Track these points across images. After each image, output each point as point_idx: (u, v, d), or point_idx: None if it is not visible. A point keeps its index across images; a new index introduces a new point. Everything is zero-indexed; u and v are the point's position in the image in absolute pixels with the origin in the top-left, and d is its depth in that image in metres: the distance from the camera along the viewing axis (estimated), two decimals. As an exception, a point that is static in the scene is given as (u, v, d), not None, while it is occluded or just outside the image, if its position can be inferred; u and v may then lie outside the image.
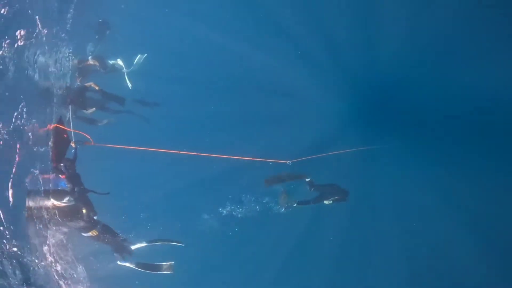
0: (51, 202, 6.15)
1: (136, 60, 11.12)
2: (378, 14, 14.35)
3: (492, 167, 14.39)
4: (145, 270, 7.08)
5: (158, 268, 7.17)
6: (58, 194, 6.12)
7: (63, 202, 6.05)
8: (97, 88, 8.52)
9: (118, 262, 6.92)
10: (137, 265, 7.03)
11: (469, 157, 14.64)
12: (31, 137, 5.56)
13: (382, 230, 15.09)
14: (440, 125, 15.61)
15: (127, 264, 6.97)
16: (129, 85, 10.48)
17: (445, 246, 14.78)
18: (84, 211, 6.23)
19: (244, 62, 15.70)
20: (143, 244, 7.09)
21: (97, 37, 10.76)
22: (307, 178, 8.75)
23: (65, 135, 6.27)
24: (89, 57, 9.47)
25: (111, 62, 10.24)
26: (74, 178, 6.33)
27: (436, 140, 15.68)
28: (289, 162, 6.76)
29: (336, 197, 9.13)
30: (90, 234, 6.55)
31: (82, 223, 6.32)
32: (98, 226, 6.63)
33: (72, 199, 6.06)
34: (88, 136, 6.29)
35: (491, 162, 14.43)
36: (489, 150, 14.50)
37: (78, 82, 8.85)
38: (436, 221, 14.92)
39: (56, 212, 6.21)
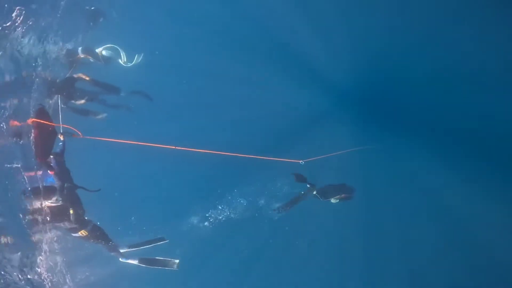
0: (39, 201, 5.62)
1: (135, 59, 10.55)
2: (373, 13, 14.32)
3: (490, 167, 14.28)
4: (149, 266, 6.74)
5: (163, 263, 6.83)
6: (45, 192, 5.58)
7: (51, 202, 5.50)
8: (87, 78, 8.03)
9: (120, 260, 6.63)
10: (141, 261, 6.70)
11: (469, 156, 14.47)
12: (5, 128, 5.01)
13: (380, 231, 14.83)
14: (441, 125, 15.43)
15: (130, 261, 6.66)
16: (123, 58, 9.71)
17: (444, 246, 14.60)
18: (71, 211, 5.69)
19: (243, 63, 15.46)
20: (126, 250, 6.74)
21: (91, 24, 10.15)
22: (314, 191, 8.53)
23: (50, 128, 5.64)
24: (79, 49, 8.89)
25: (98, 50, 9.53)
26: (63, 174, 5.93)
27: (436, 139, 15.47)
28: (302, 162, 6.55)
29: (342, 195, 8.92)
30: (79, 234, 6.08)
31: (69, 224, 5.87)
32: (89, 227, 6.14)
33: (60, 198, 5.52)
34: (75, 130, 5.78)
35: (490, 162, 14.32)
36: (489, 150, 14.33)
37: (68, 74, 8.38)
38: (434, 221, 14.75)
39: (42, 212, 5.71)
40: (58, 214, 5.78)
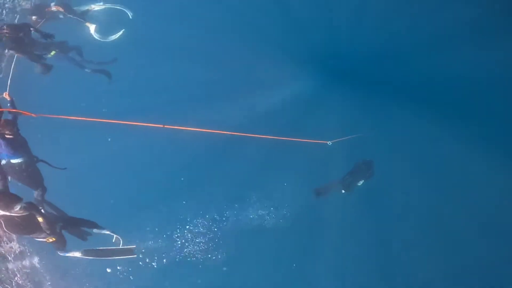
0: None
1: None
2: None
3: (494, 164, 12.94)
4: (99, 257, 5.95)
5: (116, 253, 6.02)
6: (5, 200, 4.33)
7: (14, 212, 4.31)
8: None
9: (60, 253, 5.71)
10: (86, 253, 5.82)
11: (472, 153, 13.19)
12: None
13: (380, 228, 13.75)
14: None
15: (71, 255, 5.73)
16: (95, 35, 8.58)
17: (443, 245, 13.49)
18: (40, 219, 4.72)
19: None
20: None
21: None
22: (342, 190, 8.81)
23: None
24: (52, 3, 7.97)
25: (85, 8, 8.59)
26: (19, 145, 5.41)
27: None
28: (329, 143, 6.16)
29: (367, 174, 8.91)
30: (45, 240, 5.09)
31: (40, 235, 4.96)
32: (57, 229, 5.17)
33: (25, 205, 4.37)
34: (23, 112, 4.72)
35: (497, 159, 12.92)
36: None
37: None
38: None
39: (3, 224, 4.49)
40: (25, 227, 4.69)
